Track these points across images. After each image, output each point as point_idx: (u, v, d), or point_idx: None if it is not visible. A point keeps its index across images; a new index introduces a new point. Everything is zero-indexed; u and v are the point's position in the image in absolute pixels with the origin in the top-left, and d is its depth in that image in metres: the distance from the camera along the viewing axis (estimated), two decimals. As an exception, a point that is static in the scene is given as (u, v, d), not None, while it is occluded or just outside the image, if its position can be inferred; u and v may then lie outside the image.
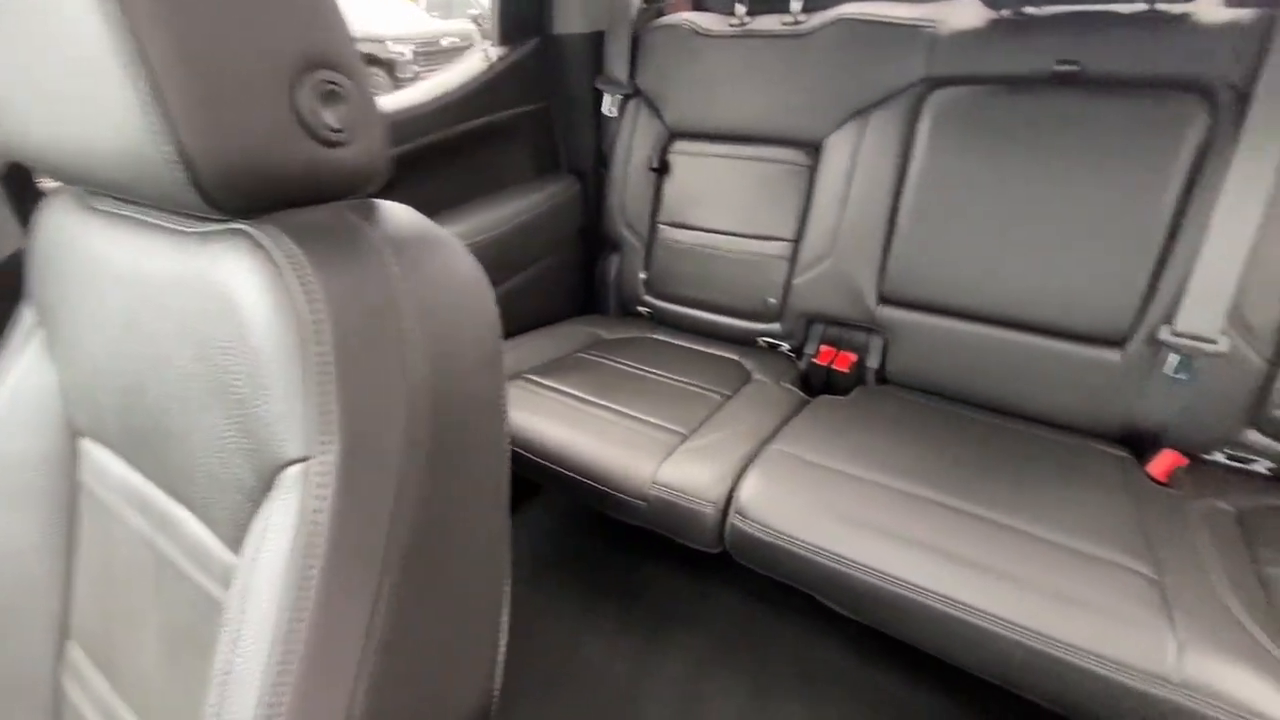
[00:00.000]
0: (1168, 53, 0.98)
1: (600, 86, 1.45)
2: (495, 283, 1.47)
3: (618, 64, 1.42)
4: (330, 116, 0.40)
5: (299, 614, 0.35)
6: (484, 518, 0.46)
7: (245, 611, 0.36)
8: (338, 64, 0.40)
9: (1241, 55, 0.93)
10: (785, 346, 1.38)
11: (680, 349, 1.39)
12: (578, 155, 1.54)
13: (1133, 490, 0.93)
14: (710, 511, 0.92)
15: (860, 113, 1.21)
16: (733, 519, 0.91)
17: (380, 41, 8.28)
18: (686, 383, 1.21)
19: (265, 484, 0.39)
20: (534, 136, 1.48)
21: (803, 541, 0.85)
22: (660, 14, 1.46)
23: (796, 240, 1.30)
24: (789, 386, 1.24)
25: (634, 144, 1.45)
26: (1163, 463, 1.00)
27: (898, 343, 1.23)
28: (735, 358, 1.35)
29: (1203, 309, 0.94)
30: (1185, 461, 1.00)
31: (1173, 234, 0.98)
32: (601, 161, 1.53)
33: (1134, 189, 0.99)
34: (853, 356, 1.27)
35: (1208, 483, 0.97)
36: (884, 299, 1.22)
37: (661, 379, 1.22)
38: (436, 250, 0.44)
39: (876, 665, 1.12)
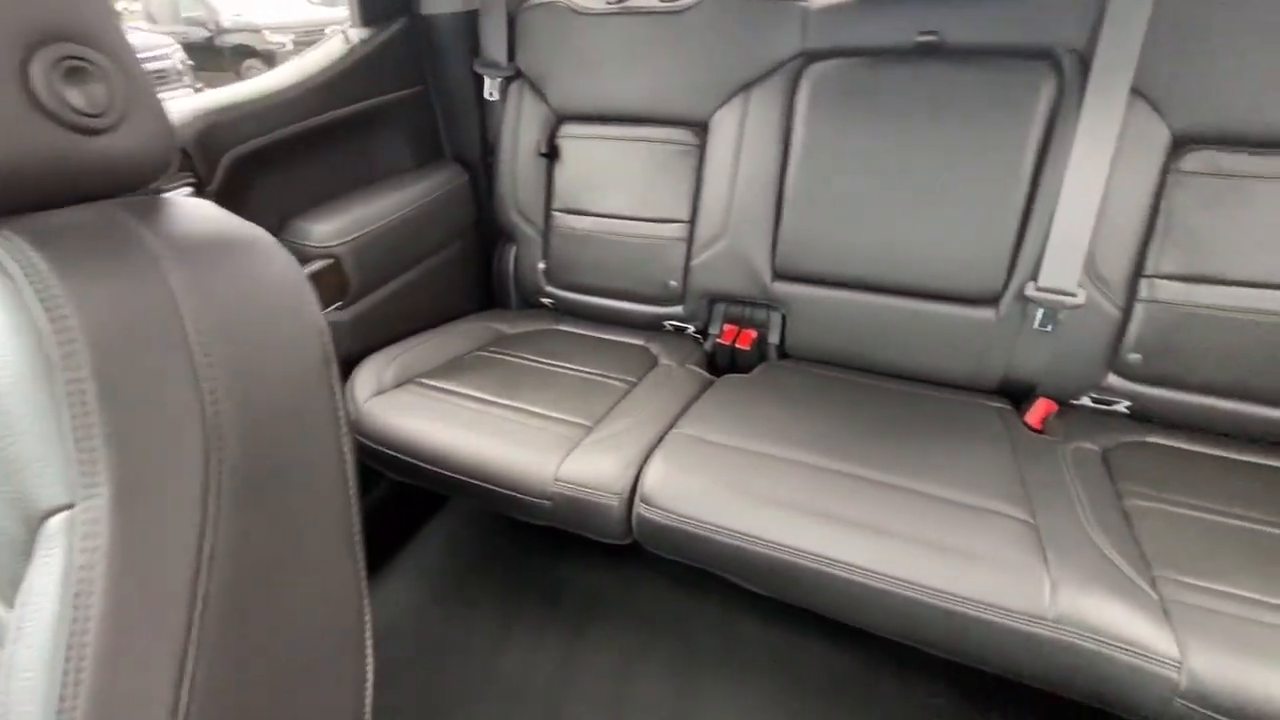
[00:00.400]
0: (1017, 22, 1.03)
1: (479, 69, 1.38)
2: (383, 280, 1.36)
3: (495, 45, 1.36)
4: (78, 97, 0.33)
5: (72, 690, 0.29)
6: (327, 548, 0.41)
7: (10, 693, 0.30)
8: (83, 36, 0.34)
9: (1081, 23, 0.99)
10: (691, 328, 1.37)
11: (585, 339, 1.36)
12: (462, 143, 1.46)
13: (1011, 439, 0.98)
14: (615, 504, 0.90)
15: (743, 89, 1.21)
16: (638, 508, 0.89)
17: (256, 31, 7.67)
18: (591, 373, 1.18)
19: (32, 537, 0.32)
20: (412, 124, 1.40)
21: (707, 523, 0.84)
22: (537, -8, 1.40)
23: (692, 221, 1.29)
24: (694, 368, 1.24)
25: (520, 129, 1.39)
26: (1038, 411, 1.07)
27: (795, 317, 1.25)
28: (641, 343, 1.34)
29: (1062, 265, 1.01)
30: (1056, 408, 1.07)
31: (1032, 196, 1.04)
32: (488, 149, 1.46)
33: (996, 154, 1.04)
34: (754, 334, 1.28)
35: (1077, 426, 1.04)
36: (778, 275, 1.23)
37: (566, 371, 1.19)
38: (239, 252, 0.39)
39: (800, 635, 1.15)
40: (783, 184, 1.19)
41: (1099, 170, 0.97)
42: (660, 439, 0.97)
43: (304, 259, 1.11)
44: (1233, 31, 0.91)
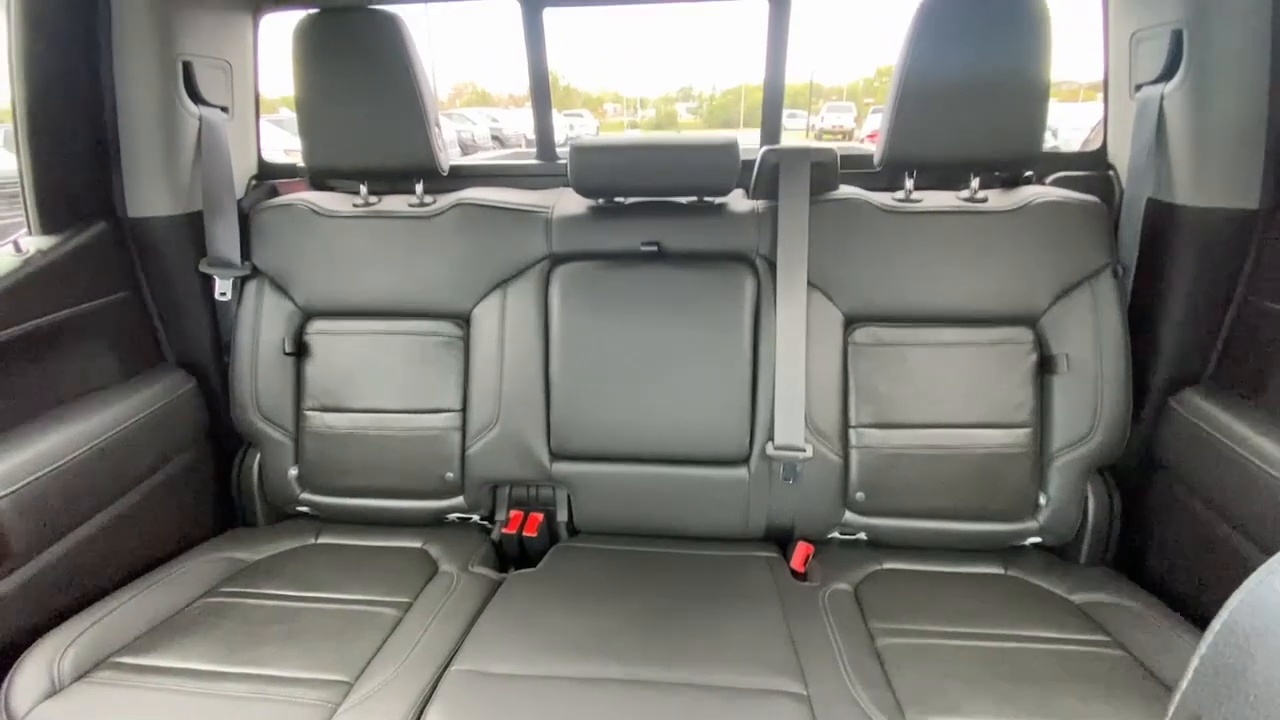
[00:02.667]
0: (718, 233, 1.25)
1: (207, 269, 1.26)
2: (70, 526, 1.08)
3: (225, 245, 1.26)
4: None
5: None
6: None
7: None
8: None
9: (763, 236, 1.24)
10: (475, 517, 1.31)
11: (352, 550, 1.21)
12: (189, 346, 1.30)
13: (781, 594, 1.06)
14: None
15: (500, 285, 1.26)
16: None
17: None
18: (355, 601, 1.04)
19: None
20: (117, 331, 1.21)
21: None
22: (274, 193, 1.36)
23: (463, 410, 1.27)
24: (479, 570, 1.16)
25: (261, 327, 1.28)
26: (799, 555, 1.19)
27: (578, 494, 1.26)
28: (419, 545, 1.23)
29: (789, 425, 1.17)
30: (812, 549, 1.20)
31: (755, 371, 1.21)
32: (222, 348, 1.31)
33: (721, 340, 1.21)
34: (540, 517, 1.26)
35: (831, 564, 1.17)
36: (556, 455, 1.25)
37: (322, 606, 1.03)
38: None
39: None
40: (548, 371, 1.24)
41: (799, 347, 1.17)
42: (435, 684, 0.86)
43: None
44: (868, 242, 1.19)
